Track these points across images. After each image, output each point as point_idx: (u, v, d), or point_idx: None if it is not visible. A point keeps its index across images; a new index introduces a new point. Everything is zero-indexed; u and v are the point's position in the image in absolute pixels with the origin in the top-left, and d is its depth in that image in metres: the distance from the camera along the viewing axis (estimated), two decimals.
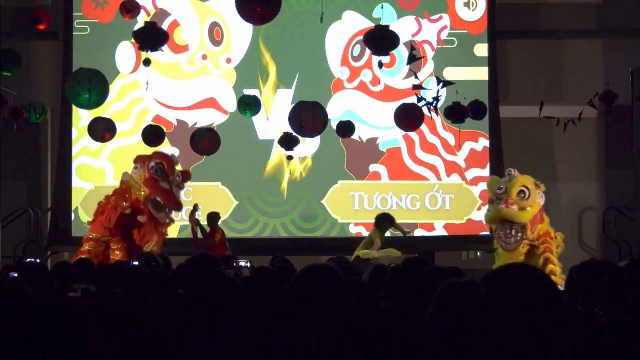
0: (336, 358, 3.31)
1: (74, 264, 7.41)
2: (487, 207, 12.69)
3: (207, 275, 4.35)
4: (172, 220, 11.97)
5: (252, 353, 3.72)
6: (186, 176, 12.05)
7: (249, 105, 11.69)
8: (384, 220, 12.33)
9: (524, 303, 2.77)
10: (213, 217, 12.33)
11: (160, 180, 11.64)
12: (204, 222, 12.29)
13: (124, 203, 11.64)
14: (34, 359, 3.40)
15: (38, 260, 11.02)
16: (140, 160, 11.80)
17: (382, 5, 13.58)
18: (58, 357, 3.44)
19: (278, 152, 13.55)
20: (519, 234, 11.59)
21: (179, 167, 12.07)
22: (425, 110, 10.45)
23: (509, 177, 11.79)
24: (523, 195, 11.58)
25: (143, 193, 11.62)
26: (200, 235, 12.21)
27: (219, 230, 12.34)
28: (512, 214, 11.50)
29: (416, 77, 11.05)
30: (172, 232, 13.78)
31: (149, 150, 12.56)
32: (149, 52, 9.89)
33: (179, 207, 11.95)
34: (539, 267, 11.52)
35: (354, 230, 13.95)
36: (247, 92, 12.65)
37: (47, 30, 11.35)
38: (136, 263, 7.74)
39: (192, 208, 12.25)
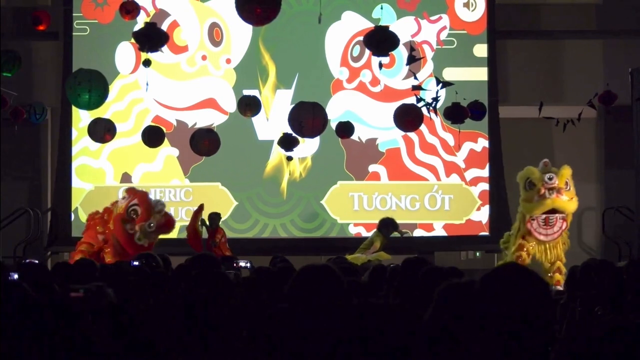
0: (334, 357, 3.31)
1: (75, 264, 7.41)
2: (483, 207, 12.74)
3: (206, 275, 4.35)
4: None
5: (251, 352, 3.72)
6: (166, 226, 11.89)
7: (249, 106, 11.70)
8: (387, 226, 12.34)
9: (518, 303, 2.77)
10: (214, 217, 12.36)
11: (129, 222, 11.64)
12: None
13: (99, 227, 11.75)
14: (35, 358, 3.41)
15: (36, 261, 11.06)
16: (130, 192, 11.87)
17: (382, 6, 13.61)
18: (59, 357, 3.45)
19: (277, 153, 13.56)
20: (558, 224, 11.69)
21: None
22: (424, 110, 10.46)
23: (545, 167, 11.82)
24: (566, 186, 11.71)
25: (112, 227, 11.70)
26: (205, 234, 12.23)
27: (219, 231, 12.36)
28: (564, 204, 11.64)
29: (415, 78, 11.06)
30: (172, 232, 13.80)
31: (149, 151, 12.59)
32: (149, 53, 9.90)
33: (132, 253, 11.85)
34: (549, 262, 11.66)
35: (353, 231, 13.95)
36: (247, 92, 12.66)
37: (47, 31, 11.34)
38: (136, 263, 7.75)
39: (196, 208, 12.28)
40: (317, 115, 9.96)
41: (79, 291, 4.32)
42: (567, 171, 11.80)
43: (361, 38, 12.23)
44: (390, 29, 9.62)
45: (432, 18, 14.18)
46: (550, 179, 11.64)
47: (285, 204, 14.03)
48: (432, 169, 14.09)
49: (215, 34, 14.16)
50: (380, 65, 9.87)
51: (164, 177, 13.98)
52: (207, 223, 12.29)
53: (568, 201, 11.71)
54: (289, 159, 12.45)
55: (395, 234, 12.48)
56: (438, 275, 4.55)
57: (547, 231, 11.73)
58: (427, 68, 13.85)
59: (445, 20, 14.18)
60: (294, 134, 10.78)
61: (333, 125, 12.12)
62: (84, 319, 3.81)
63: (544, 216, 11.71)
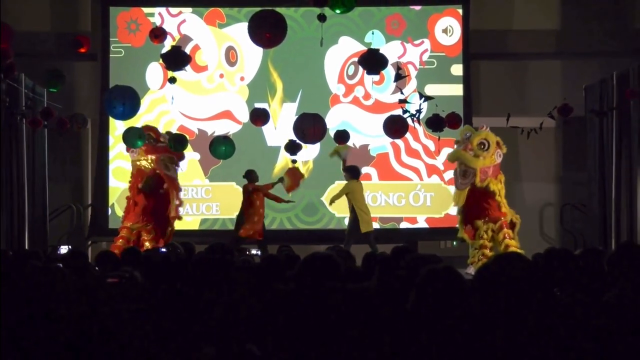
0: (334, 332, 3.29)
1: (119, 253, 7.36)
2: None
3: (223, 262, 4.33)
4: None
5: (263, 329, 3.70)
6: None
7: (259, 117, 11.67)
8: (353, 171, 12.30)
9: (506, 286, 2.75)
10: (251, 171, 12.28)
11: (155, 144, 11.73)
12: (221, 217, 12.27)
13: (140, 180, 11.83)
14: (74, 336, 3.39)
15: (70, 247, 11.03)
16: (129, 149, 11.85)
17: (373, 32, 13.64)
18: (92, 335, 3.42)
19: (284, 157, 13.53)
20: (469, 178, 11.71)
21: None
22: (409, 120, 10.44)
23: (480, 130, 11.88)
24: (482, 146, 11.72)
25: (149, 161, 11.68)
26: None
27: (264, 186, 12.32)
28: (466, 157, 11.68)
29: (401, 93, 11.05)
30: (193, 224, 13.80)
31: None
32: (174, 72, 9.88)
33: (179, 156, 11.94)
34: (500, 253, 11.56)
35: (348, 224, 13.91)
36: (258, 105, 12.64)
37: (87, 53, 11.31)
38: (164, 250, 7.74)
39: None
40: (317, 124, 9.94)
41: (114, 277, 4.30)
42: (485, 134, 11.80)
43: (355, 59, 12.25)
44: (380, 51, 9.60)
45: (416, 42, 14.17)
46: (466, 135, 11.79)
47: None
48: (416, 170, 14.07)
49: (231, 56, 14.14)
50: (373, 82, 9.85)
51: (188, 178, 13.95)
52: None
53: (472, 157, 11.71)
54: (294, 162, 12.43)
55: (387, 225, 12.41)
56: (421, 261, 4.54)
57: (461, 181, 11.81)
58: (412, 84, 13.83)
59: (426, 44, 14.16)
60: (298, 141, 10.76)
61: (331, 133, 12.10)
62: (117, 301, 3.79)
63: (464, 169, 11.77)
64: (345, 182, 12.37)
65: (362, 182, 12.97)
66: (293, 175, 12.43)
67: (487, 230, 11.85)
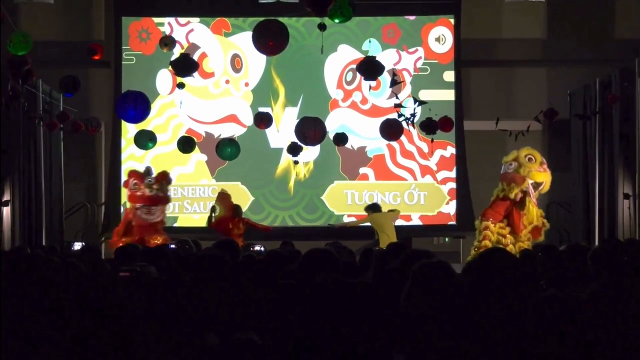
0: (333, 323, 3.31)
1: (127, 248, 7.35)
2: (451, 202, 12.64)
3: (229, 257, 4.33)
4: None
5: (265, 320, 3.71)
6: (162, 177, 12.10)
7: (263, 120, 11.68)
8: (367, 208, 12.24)
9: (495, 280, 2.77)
10: (237, 207, 12.10)
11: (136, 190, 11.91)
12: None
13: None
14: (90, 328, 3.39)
15: (83, 243, 11.02)
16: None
17: (370, 40, 13.65)
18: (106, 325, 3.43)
19: (286, 158, 13.53)
20: (537, 190, 11.70)
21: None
22: (404, 124, 10.45)
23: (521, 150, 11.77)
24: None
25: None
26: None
27: (242, 220, 12.08)
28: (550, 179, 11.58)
29: (397, 98, 11.06)
30: (201, 222, 13.80)
31: (183, 156, 12.58)
32: (183, 78, 9.89)
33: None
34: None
35: (347, 220, 13.93)
36: (261, 109, 12.65)
37: (101, 60, 11.34)
38: (173, 246, 7.75)
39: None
40: (317, 128, 9.94)
41: (126, 271, 4.30)
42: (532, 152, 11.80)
43: (353, 66, 12.25)
44: (377, 58, 9.61)
45: (410, 50, 14.17)
46: (529, 158, 11.69)
47: (292, 199, 14.01)
48: (410, 171, 14.07)
49: (236, 63, 14.15)
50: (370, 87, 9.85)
51: (195, 178, 13.97)
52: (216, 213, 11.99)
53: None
54: (295, 162, 12.44)
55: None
56: (415, 256, 4.54)
57: (535, 194, 11.76)
58: (406, 90, 13.82)
59: (420, 52, 14.17)
60: (299, 143, 10.77)
61: (331, 135, 12.10)
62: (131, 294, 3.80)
63: (535, 184, 11.69)
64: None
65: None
66: (223, 200, 12.11)
67: (495, 233, 11.80)
